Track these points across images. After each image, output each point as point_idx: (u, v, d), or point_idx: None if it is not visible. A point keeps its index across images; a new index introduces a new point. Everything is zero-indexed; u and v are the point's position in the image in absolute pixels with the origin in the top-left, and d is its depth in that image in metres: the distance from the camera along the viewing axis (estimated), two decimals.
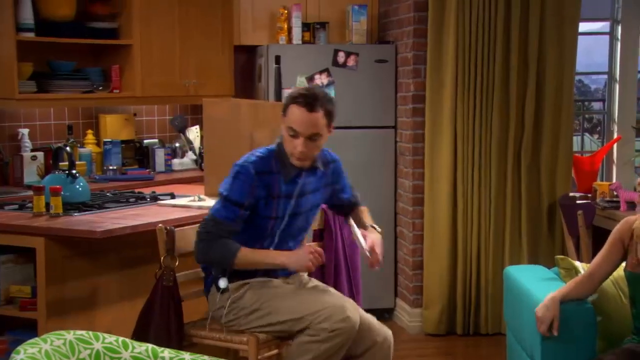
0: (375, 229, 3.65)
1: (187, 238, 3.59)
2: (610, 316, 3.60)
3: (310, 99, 3.28)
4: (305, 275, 3.65)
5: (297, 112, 3.27)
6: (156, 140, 5.90)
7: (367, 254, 3.45)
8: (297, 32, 5.91)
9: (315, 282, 3.65)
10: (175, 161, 5.84)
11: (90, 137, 5.48)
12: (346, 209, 3.79)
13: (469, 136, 5.53)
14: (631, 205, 5.26)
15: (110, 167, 5.36)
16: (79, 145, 5.34)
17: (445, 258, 5.61)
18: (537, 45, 5.54)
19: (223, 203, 3.34)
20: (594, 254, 4.28)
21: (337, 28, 6.07)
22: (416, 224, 5.73)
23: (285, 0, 5.97)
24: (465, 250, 5.63)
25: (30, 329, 3.54)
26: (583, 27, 5.81)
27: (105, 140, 5.48)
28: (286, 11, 5.92)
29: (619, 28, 6.03)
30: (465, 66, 5.49)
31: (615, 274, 3.58)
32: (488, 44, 5.50)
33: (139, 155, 5.72)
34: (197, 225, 3.71)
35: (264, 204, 3.37)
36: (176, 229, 3.54)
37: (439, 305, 5.63)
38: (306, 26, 5.96)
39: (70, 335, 2.68)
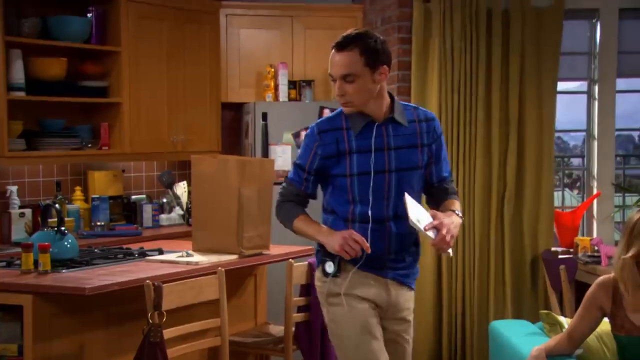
0: (457, 214, 3.17)
1: (175, 294, 3.56)
2: None
3: (342, 39, 3.08)
4: (406, 300, 3.28)
5: (331, 55, 3.10)
6: (144, 196, 5.86)
7: (430, 235, 3.02)
8: (283, 89, 5.94)
9: (405, 319, 3.30)
10: (163, 216, 5.80)
11: (78, 193, 5.43)
12: (434, 194, 3.31)
13: None
14: (611, 260, 5.27)
15: (98, 223, 5.32)
16: (67, 201, 5.29)
17: (430, 312, 5.61)
18: (517, 104, 5.63)
19: (293, 166, 3.27)
20: (576, 308, 4.24)
21: (323, 86, 6.11)
22: None
23: (272, 59, 6.02)
24: (450, 304, 5.63)
25: None
26: (561, 86, 5.89)
27: (93, 196, 5.44)
28: (273, 69, 5.97)
29: (596, 87, 6.06)
30: (447, 124, 5.55)
31: (598, 328, 3.54)
32: (470, 102, 5.58)
33: (127, 211, 5.67)
34: (185, 280, 3.69)
35: (336, 161, 3.16)
36: (164, 285, 3.49)
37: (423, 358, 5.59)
38: (292, 84, 6.00)
39: None
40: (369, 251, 3.06)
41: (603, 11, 5.97)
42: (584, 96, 6.16)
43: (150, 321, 3.44)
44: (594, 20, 6.05)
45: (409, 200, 3.07)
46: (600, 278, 3.42)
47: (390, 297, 3.22)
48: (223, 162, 4.19)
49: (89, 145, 5.37)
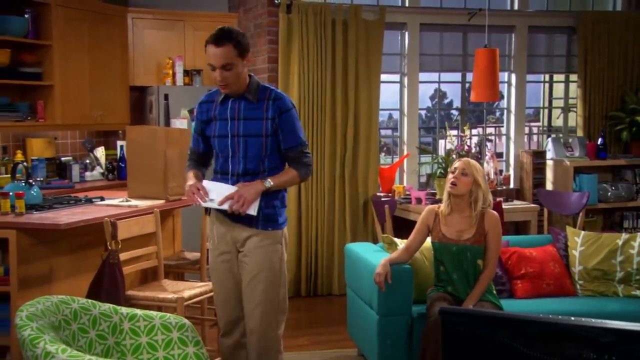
0: (263, 183, 3.11)
1: (124, 228, 3.69)
2: (417, 273, 3.94)
3: (217, 36, 3.02)
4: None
5: (209, 49, 3.03)
6: (71, 157, 5.84)
7: (224, 207, 3.07)
8: (179, 76, 6.00)
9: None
10: (87, 174, 5.81)
11: (19, 156, 5.36)
12: (287, 159, 3.23)
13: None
14: (418, 201, 5.79)
15: (38, 179, 5.26)
16: (11, 162, 5.24)
17: (293, 240, 5.81)
18: (354, 90, 5.91)
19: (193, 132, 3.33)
20: (395, 235, 4.62)
21: (209, 73, 5.98)
22: None
23: (170, 53, 6.07)
24: (308, 234, 5.87)
25: (3, 301, 3.53)
26: (383, 77, 6.19)
27: (32, 157, 5.40)
28: (171, 60, 6.02)
29: (405, 79, 6.36)
30: (306, 104, 5.78)
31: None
32: (321, 88, 5.82)
33: (59, 169, 5.65)
34: (132, 218, 3.84)
35: (207, 126, 3.24)
36: (117, 221, 3.60)
37: (288, 275, 5.80)
38: (186, 72, 6.05)
39: (55, 298, 2.73)
40: (200, 203, 3.10)
41: (409, 25, 6.31)
42: (398, 85, 6.46)
43: (110, 248, 3.52)
44: (403, 31, 6.35)
45: (206, 184, 3.13)
46: (429, 206, 3.85)
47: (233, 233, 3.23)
48: (152, 130, 4.22)
49: (28, 118, 5.33)
